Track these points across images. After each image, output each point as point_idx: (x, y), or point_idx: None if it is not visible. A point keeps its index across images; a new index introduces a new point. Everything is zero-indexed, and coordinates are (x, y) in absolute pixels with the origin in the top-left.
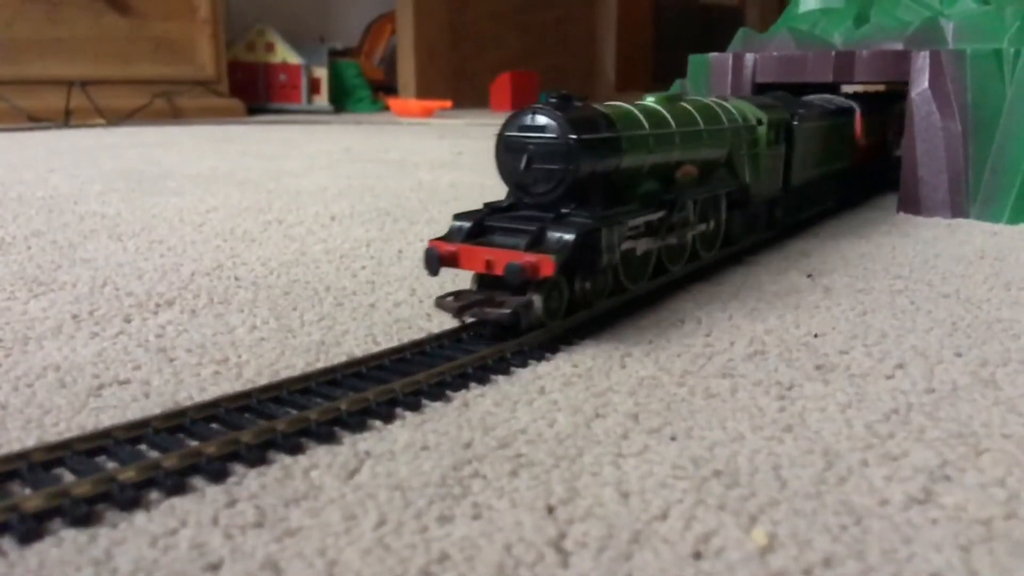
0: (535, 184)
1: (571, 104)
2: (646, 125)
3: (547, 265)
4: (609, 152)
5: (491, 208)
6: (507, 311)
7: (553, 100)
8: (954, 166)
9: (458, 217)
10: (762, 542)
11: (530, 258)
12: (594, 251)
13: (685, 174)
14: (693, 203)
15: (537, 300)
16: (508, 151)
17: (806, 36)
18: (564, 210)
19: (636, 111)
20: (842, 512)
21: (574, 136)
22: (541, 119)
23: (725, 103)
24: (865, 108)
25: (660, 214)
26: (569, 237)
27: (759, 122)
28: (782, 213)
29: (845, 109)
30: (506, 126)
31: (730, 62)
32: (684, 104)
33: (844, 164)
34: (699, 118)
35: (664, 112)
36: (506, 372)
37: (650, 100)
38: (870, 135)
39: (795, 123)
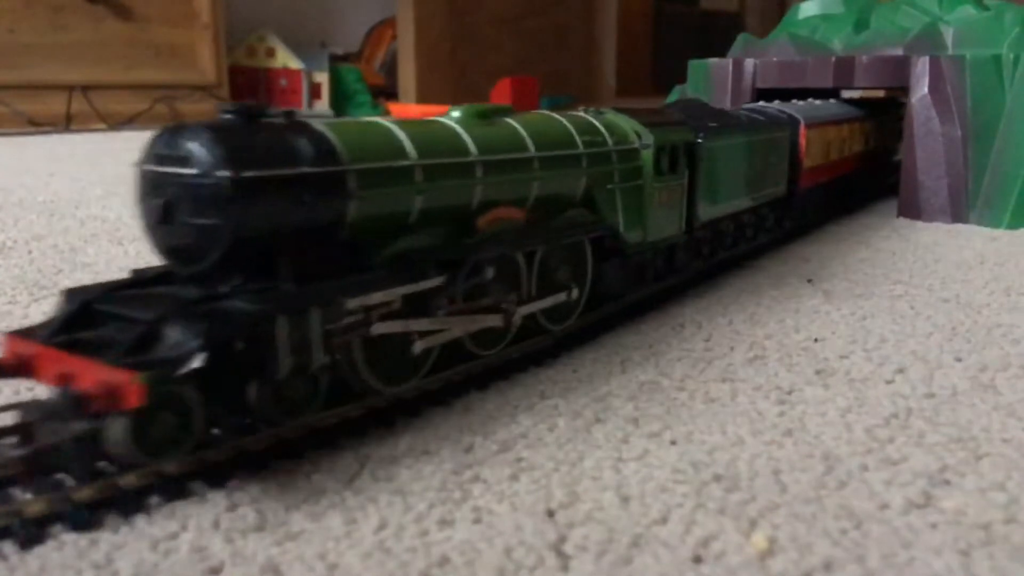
0: (179, 245)
1: (255, 119)
2: (411, 153)
3: (132, 393)
4: (316, 195)
5: (126, 281)
6: (45, 446)
7: (228, 113)
8: (954, 171)
9: (69, 294)
10: (762, 546)
11: (107, 377)
12: (269, 350)
13: (495, 221)
14: (508, 261)
15: (118, 429)
16: (144, 193)
17: (806, 42)
18: (227, 286)
19: (396, 131)
20: (842, 516)
21: (229, 173)
22: (186, 144)
23: (592, 119)
24: (857, 115)
25: (436, 282)
26: (193, 343)
27: (643, 144)
28: (686, 259)
29: (781, 121)
30: (144, 152)
31: (730, 68)
32: (509, 122)
33: (780, 190)
34: (529, 141)
35: (459, 133)
36: (506, 377)
37: (456, 114)
38: (870, 141)
39: (700, 143)
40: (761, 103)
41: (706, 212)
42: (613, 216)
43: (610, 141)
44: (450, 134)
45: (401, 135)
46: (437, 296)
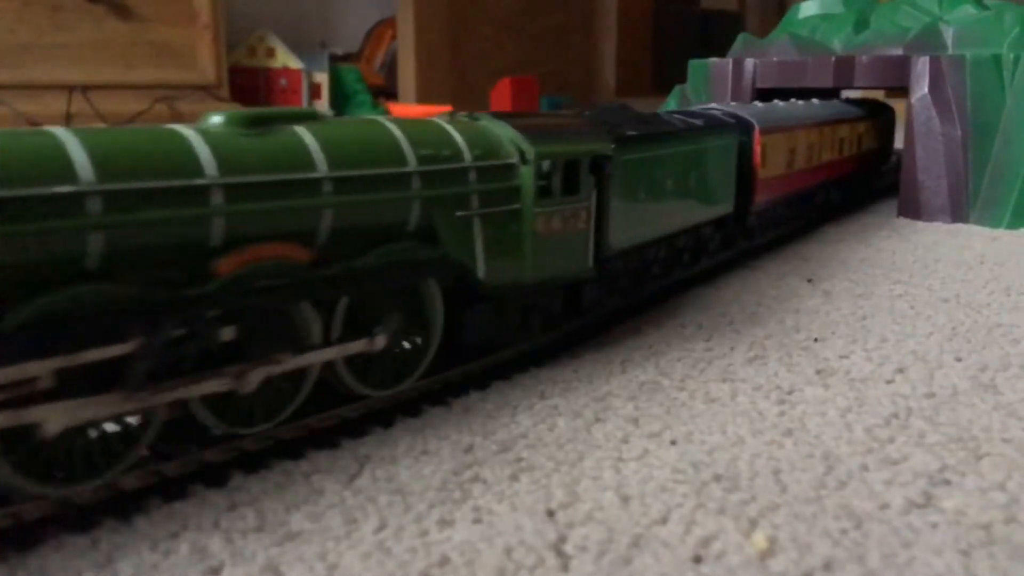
0: None
1: None
2: (83, 173)
3: None
4: None
5: None
6: None
7: None
8: (954, 171)
9: None
10: (762, 546)
11: None
12: None
13: (247, 262)
14: (271, 314)
15: None
16: None
17: (806, 41)
18: None
19: (68, 144)
20: (842, 516)
21: None
22: None
23: (447, 127)
24: (841, 117)
25: (117, 350)
26: None
27: (522, 159)
28: (594, 296)
29: (726, 127)
30: None
31: (730, 67)
32: (296, 132)
33: (727, 207)
34: (320, 157)
35: (192, 147)
36: (506, 377)
37: (215, 120)
38: (857, 145)
39: (611, 156)
40: (715, 105)
41: (621, 239)
42: (466, 251)
43: (468, 155)
44: (175, 148)
45: (75, 149)
46: (135, 365)
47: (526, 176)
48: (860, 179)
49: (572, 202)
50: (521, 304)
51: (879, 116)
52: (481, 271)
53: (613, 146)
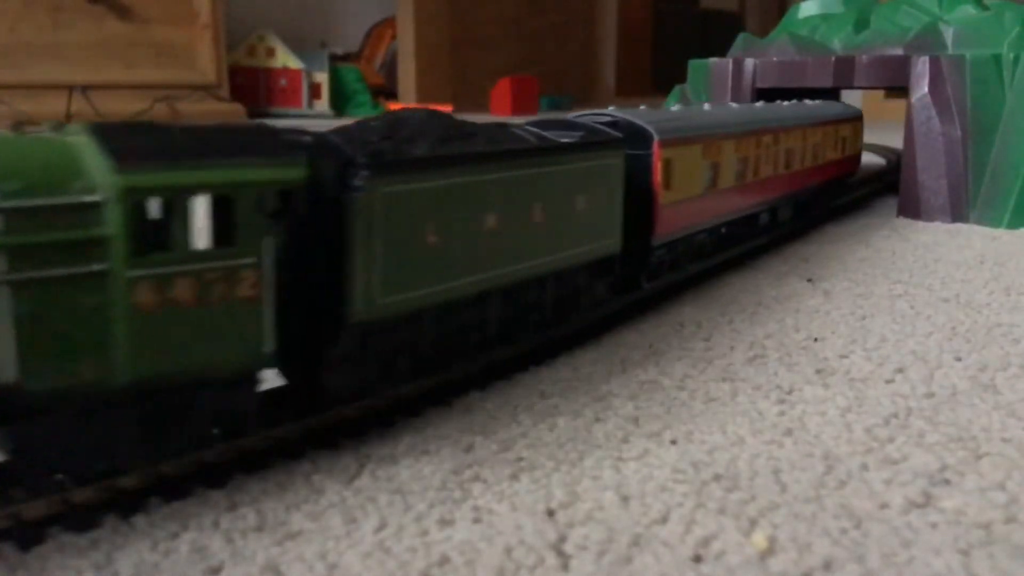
0: None
1: None
2: None
3: None
4: None
5: None
6: None
7: None
8: (954, 171)
9: None
10: (762, 546)
11: None
12: None
13: None
14: None
15: None
16: None
17: (806, 41)
18: None
19: None
20: (842, 516)
21: None
22: None
23: None
24: (801, 121)
25: None
26: None
27: (101, 198)
28: (346, 383)
29: (606, 140)
30: None
31: (730, 67)
32: None
33: (608, 247)
34: None
35: None
36: (506, 377)
37: None
38: (821, 153)
39: (302, 186)
40: (610, 111)
41: (386, 301)
42: None
43: None
44: None
45: None
46: None
47: (114, 220)
48: (819, 195)
49: (220, 258)
50: (105, 420)
51: (843, 121)
52: (10, 372)
53: (306, 172)
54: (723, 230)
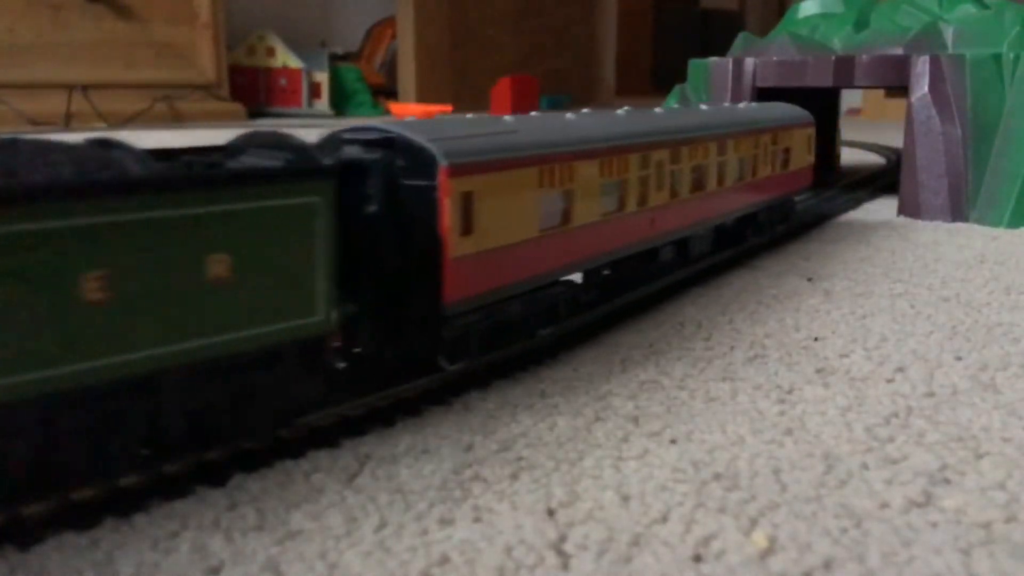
0: None
1: None
2: None
3: None
4: None
5: None
6: None
7: None
8: (954, 170)
9: None
10: (762, 545)
11: None
12: None
13: None
14: None
15: None
16: None
17: (806, 41)
18: None
19: None
20: (842, 515)
21: None
22: None
23: None
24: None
25: None
26: None
27: None
28: None
29: (294, 171)
30: None
31: (730, 67)
32: None
33: (317, 326)
34: None
35: None
36: (506, 376)
37: None
38: (755, 169)
39: None
40: (357, 124)
41: None
42: None
43: None
44: None
45: None
46: None
47: None
48: (755, 219)
49: None
50: None
51: (785, 128)
52: None
53: None
54: (605, 272)
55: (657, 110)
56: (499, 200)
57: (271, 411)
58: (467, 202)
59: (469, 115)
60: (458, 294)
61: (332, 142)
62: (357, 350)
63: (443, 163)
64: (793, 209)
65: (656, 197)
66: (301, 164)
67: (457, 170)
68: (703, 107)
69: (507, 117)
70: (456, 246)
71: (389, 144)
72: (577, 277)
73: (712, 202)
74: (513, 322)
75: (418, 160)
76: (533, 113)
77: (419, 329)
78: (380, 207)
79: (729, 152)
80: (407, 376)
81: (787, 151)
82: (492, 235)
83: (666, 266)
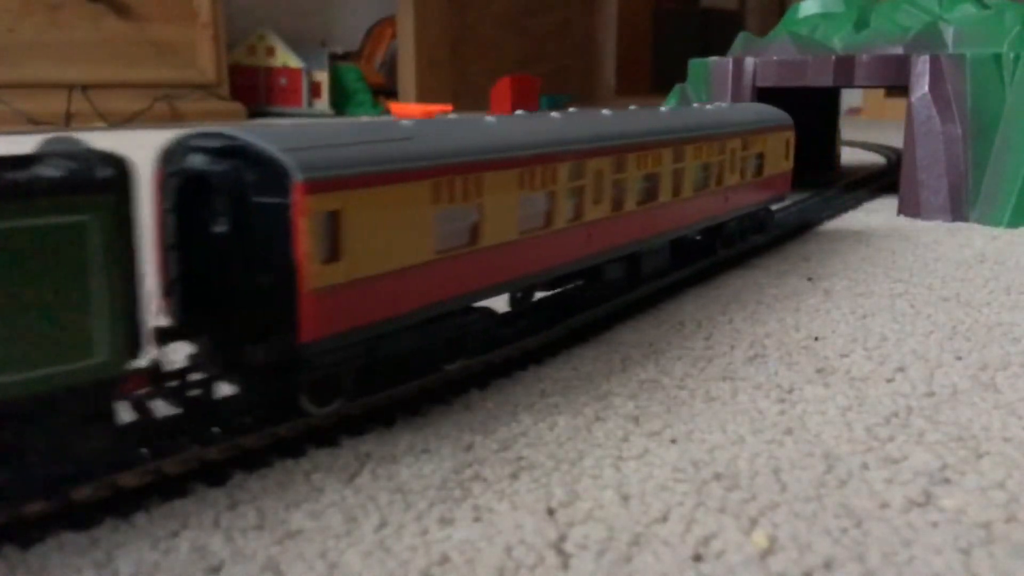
0: None
1: None
2: None
3: None
4: None
5: None
6: None
7: None
8: (954, 170)
9: None
10: (762, 545)
11: None
12: None
13: None
14: None
15: None
16: None
17: (806, 40)
18: None
19: None
20: (842, 515)
21: None
22: None
23: None
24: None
25: None
26: None
27: None
28: None
29: (46, 184)
30: None
31: (730, 66)
32: None
33: (94, 370)
34: None
35: None
36: (507, 375)
37: None
38: (718, 178)
39: None
40: (207, 129)
41: None
42: None
43: None
44: None
45: None
46: None
47: None
48: (722, 230)
49: None
50: None
51: (757, 132)
52: None
53: None
54: (518, 295)
55: (605, 112)
56: (379, 219)
57: (39, 473)
58: (333, 223)
59: (365, 118)
60: (319, 331)
61: (179, 149)
62: (195, 392)
63: (298, 178)
64: (771, 218)
65: (595, 210)
66: (70, 177)
67: (317, 185)
68: (663, 110)
69: (406, 122)
70: (316, 276)
71: (239, 153)
72: (503, 302)
73: (666, 214)
74: (405, 357)
75: (269, 174)
76: (456, 119)
77: (272, 371)
78: (228, 228)
79: (688, 159)
80: (265, 421)
81: (760, 156)
82: (369, 261)
83: (614, 285)
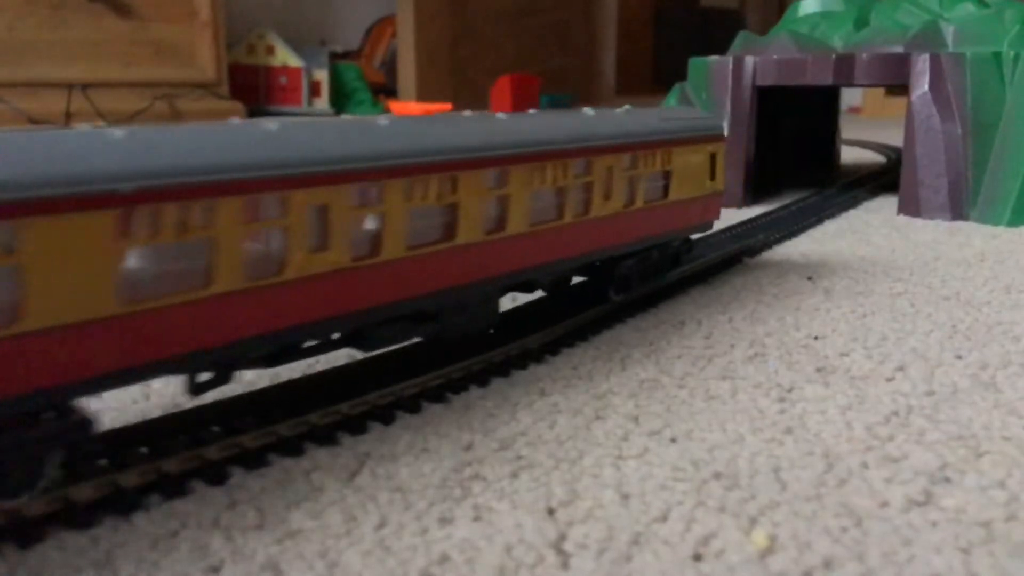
0: None
1: None
2: None
3: None
4: None
5: None
6: None
7: None
8: (954, 169)
9: None
10: (762, 544)
11: None
12: None
13: None
14: None
15: None
16: None
17: (806, 39)
18: None
19: None
20: (842, 514)
21: None
22: None
23: None
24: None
25: None
26: None
27: None
28: None
29: None
30: None
31: (730, 65)
32: None
33: None
34: None
35: None
36: (506, 374)
37: None
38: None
39: None
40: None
41: None
42: None
43: None
44: None
45: None
46: None
47: None
48: (606, 279)
49: None
50: None
51: (673, 144)
52: None
53: None
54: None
55: (466, 114)
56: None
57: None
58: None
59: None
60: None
61: None
62: None
63: None
64: (688, 251)
65: (391, 249)
66: None
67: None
68: (502, 116)
69: (118, 130)
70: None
71: None
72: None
73: (547, 243)
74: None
75: None
76: (249, 123)
77: None
78: None
79: (513, 183)
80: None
81: (665, 175)
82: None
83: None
